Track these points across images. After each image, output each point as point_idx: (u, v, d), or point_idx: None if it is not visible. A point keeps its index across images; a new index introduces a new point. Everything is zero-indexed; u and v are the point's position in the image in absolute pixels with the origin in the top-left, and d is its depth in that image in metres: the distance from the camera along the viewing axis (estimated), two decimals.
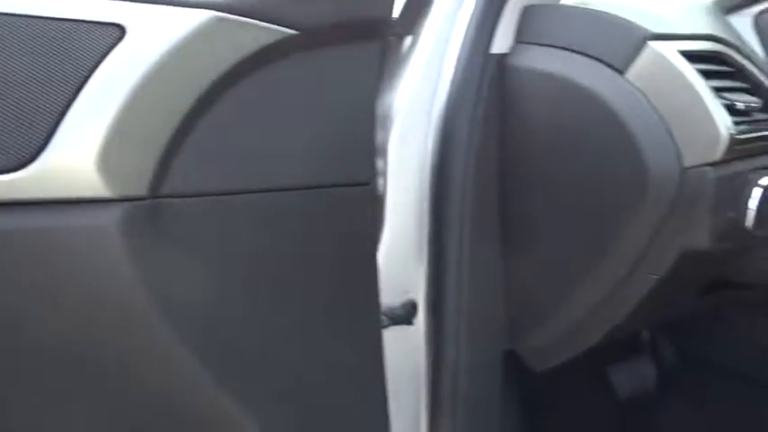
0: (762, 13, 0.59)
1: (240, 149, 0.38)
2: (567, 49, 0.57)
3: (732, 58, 0.53)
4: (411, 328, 0.67)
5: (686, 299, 0.76)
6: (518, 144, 0.62)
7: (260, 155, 0.39)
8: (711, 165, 0.48)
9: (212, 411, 0.39)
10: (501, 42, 0.62)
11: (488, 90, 0.62)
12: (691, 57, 0.51)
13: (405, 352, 0.64)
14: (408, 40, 0.64)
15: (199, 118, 0.35)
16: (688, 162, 0.48)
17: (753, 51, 0.56)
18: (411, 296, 0.67)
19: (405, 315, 0.67)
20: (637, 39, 0.51)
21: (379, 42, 0.44)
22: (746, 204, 0.49)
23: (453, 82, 0.63)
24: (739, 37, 0.56)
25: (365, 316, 0.50)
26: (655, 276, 0.53)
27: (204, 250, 0.38)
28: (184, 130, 0.35)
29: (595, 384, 1.07)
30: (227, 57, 0.36)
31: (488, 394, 0.70)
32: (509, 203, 0.64)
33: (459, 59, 0.63)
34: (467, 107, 0.62)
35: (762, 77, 0.54)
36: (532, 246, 0.64)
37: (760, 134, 0.50)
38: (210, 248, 0.38)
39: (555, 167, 0.59)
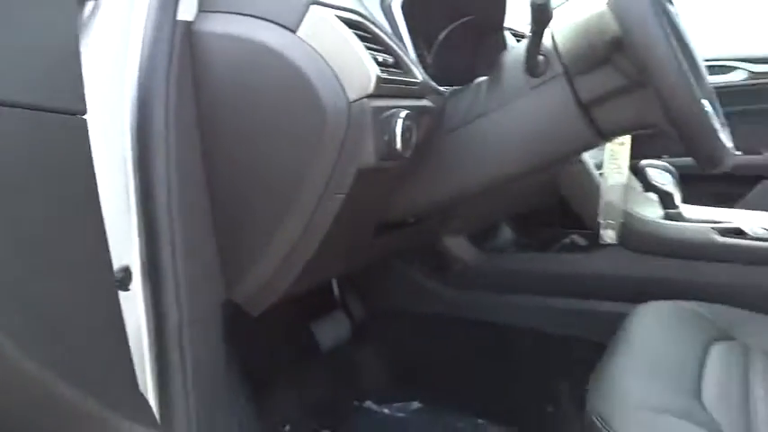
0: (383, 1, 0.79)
1: None
2: (246, 15, 0.67)
3: (370, 28, 0.70)
4: (128, 293, 0.67)
5: (363, 239, 0.93)
6: (213, 102, 0.69)
7: None
8: (368, 97, 0.63)
9: None
10: (185, 11, 0.68)
11: (179, 54, 0.67)
12: (344, 22, 0.66)
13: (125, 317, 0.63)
14: (90, 4, 0.65)
15: None
16: (352, 97, 0.62)
17: (381, 24, 0.75)
18: (124, 262, 0.67)
19: (120, 281, 0.67)
20: (303, 3, 0.63)
21: None
22: (395, 131, 0.66)
23: (143, 48, 0.66)
24: (371, 13, 0.73)
25: (93, 263, 0.50)
26: (341, 195, 0.66)
27: None
28: None
29: (301, 337, 1.20)
30: None
31: (212, 344, 0.75)
32: (212, 158, 0.70)
33: (146, 26, 0.67)
34: (160, 71, 0.66)
35: (390, 43, 0.72)
36: (236, 195, 0.71)
37: (396, 78, 0.68)
38: None
39: (247, 117, 0.68)
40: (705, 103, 0.72)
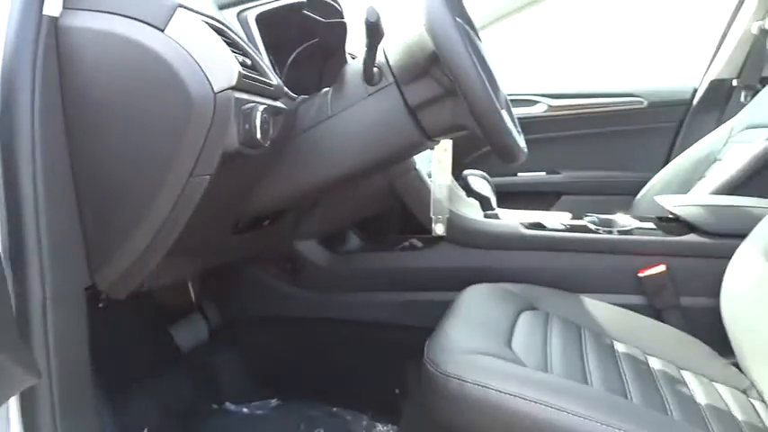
0: (240, 12, 0.89)
1: None
2: (114, 13, 0.73)
3: (229, 34, 0.80)
4: None
5: (223, 233, 1.00)
6: (81, 94, 0.74)
7: None
8: (231, 89, 0.72)
9: None
10: (50, 6, 0.73)
11: (44, 48, 0.71)
12: (208, 25, 0.75)
13: None
14: None
15: None
16: (217, 88, 0.71)
17: (239, 33, 0.85)
18: None
19: None
20: (170, 6, 0.72)
21: None
22: (254, 122, 0.76)
23: (8, 41, 0.70)
24: (230, 23, 0.84)
25: None
26: (206, 176, 0.74)
27: None
28: None
29: (160, 340, 1.21)
30: None
31: (76, 327, 0.77)
32: (79, 146, 0.74)
33: (11, 20, 0.70)
34: (25, 64, 0.70)
35: (247, 48, 0.83)
36: (105, 182, 0.76)
37: (254, 77, 0.78)
38: None
39: (116, 106, 0.73)
40: (504, 113, 0.91)
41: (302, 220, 1.30)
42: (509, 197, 1.82)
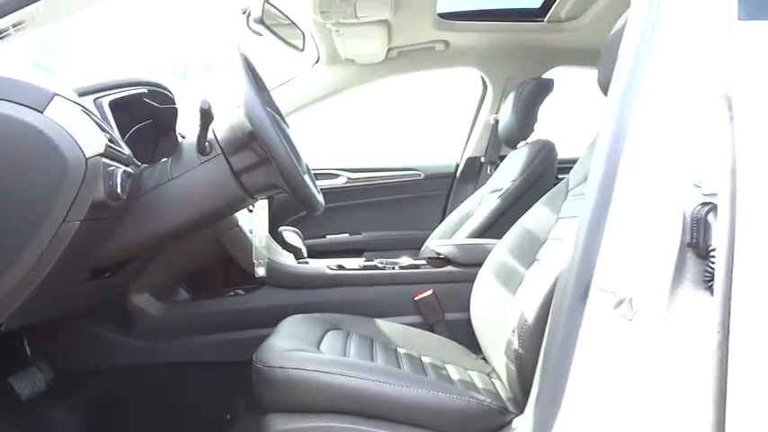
0: (96, 98, 1.13)
1: None
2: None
3: (94, 116, 1.04)
4: None
5: (77, 281, 1.16)
6: None
7: None
8: (99, 156, 0.96)
9: None
10: None
11: None
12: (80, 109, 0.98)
13: None
14: None
15: None
16: (88, 154, 0.95)
17: (97, 115, 1.09)
18: None
19: None
20: (47, 93, 0.94)
21: None
22: (116, 180, 0.99)
23: None
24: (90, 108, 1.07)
25: None
26: (77, 222, 0.95)
27: None
28: None
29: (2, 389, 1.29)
30: None
31: None
32: None
33: None
34: None
35: (105, 127, 1.07)
36: None
37: (114, 148, 1.02)
38: None
39: (3, 174, 0.92)
40: (306, 176, 1.25)
41: (138, 275, 1.49)
42: (320, 256, 2.15)
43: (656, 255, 0.77)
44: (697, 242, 0.74)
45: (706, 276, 0.74)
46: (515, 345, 1.06)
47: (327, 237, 2.56)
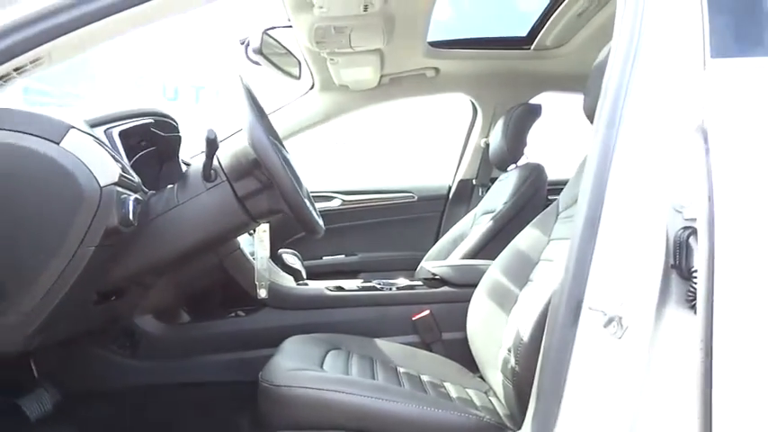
0: (107, 129, 1.18)
1: None
2: (14, 131, 0.97)
3: (107, 147, 1.08)
4: None
5: (87, 303, 1.20)
6: None
7: None
8: (113, 184, 1.00)
9: None
10: None
11: None
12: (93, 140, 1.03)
13: None
14: None
15: None
16: (103, 183, 0.99)
17: (109, 146, 1.14)
18: None
19: None
20: (63, 126, 0.99)
21: None
22: (129, 207, 1.04)
23: None
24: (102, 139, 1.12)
25: None
26: (92, 247, 0.99)
27: None
28: None
29: (10, 412, 1.31)
30: None
31: None
32: None
33: None
34: None
35: (117, 156, 1.11)
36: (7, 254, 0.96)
37: (126, 176, 1.07)
38: None
39: (18, 197, 0.96)
40: (306, 200, 1.30)
41: (142, 297, 1.52)
42: (317, 277, 2.19)
43: (643, 276, 0.82)
44: (680, 264, 0.80)
45: (689, 296, 0.79)
46: (512, 363, 1.11)
47: (324, 258, 2.60)
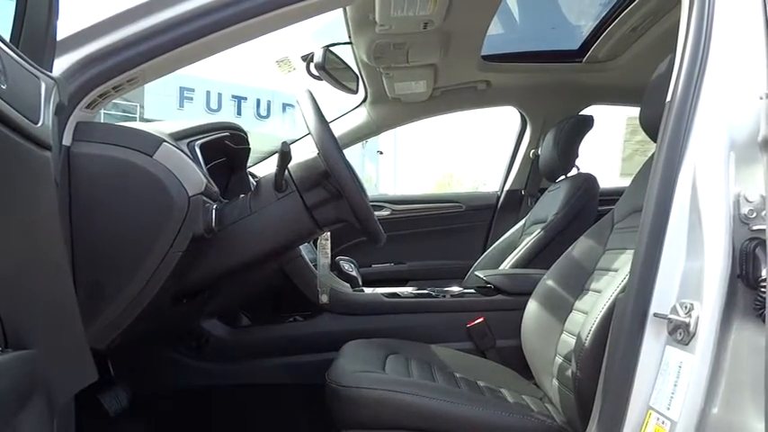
0: (189, 142, 1.27)
1: None
2: (113, 144, 1.06)
3: (199, 160, 1.17)
4: None
5: (166, 303, 1.28)
6: (87, 198, 1.04)
7: None
8: (200, 194, 1.08)
9: None
10: (66, 139, 1.05)
11: (61, 169, 1.02)
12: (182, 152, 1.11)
13: None
14: None
15: None
16: (191, 193, 1.07)
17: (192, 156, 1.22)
18: None
19: None
20: (156, 140, 1.08)
21: None
22: (212, 215, 1.12)
23: None
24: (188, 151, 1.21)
25: None
26: (179, 252, 1.07)
27: None
28: None
29: (91, 406, 1.41)
30: None
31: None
32: (82, 232, 1.03)
33: None
34: None
35: (202, 167, 1.20)
36: (100, 258, 1.05)
37: (209, 186, 1.15)
38: None
39: (115, 206, 1.05)
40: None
41: (209, 301, 1.61)
42: (367, 284, 2.25)
43: (709, 285, 0.85)
44: (747, 274, 0.82)
45: (756, 305, 0.82)
46: (572, 370, 1.14)
47: (373, 266, 2.66)
